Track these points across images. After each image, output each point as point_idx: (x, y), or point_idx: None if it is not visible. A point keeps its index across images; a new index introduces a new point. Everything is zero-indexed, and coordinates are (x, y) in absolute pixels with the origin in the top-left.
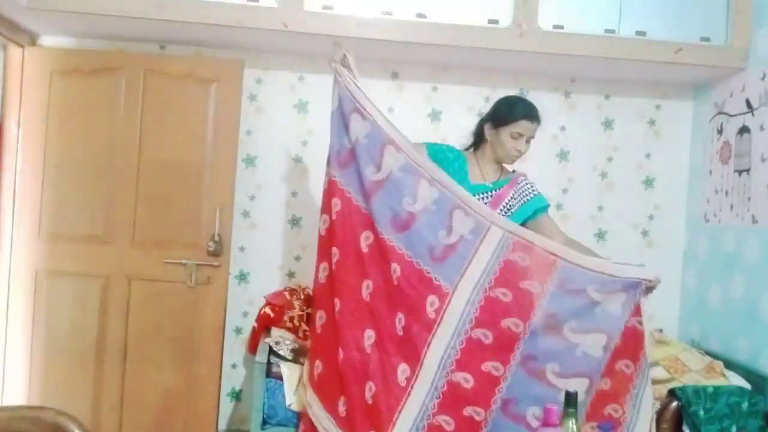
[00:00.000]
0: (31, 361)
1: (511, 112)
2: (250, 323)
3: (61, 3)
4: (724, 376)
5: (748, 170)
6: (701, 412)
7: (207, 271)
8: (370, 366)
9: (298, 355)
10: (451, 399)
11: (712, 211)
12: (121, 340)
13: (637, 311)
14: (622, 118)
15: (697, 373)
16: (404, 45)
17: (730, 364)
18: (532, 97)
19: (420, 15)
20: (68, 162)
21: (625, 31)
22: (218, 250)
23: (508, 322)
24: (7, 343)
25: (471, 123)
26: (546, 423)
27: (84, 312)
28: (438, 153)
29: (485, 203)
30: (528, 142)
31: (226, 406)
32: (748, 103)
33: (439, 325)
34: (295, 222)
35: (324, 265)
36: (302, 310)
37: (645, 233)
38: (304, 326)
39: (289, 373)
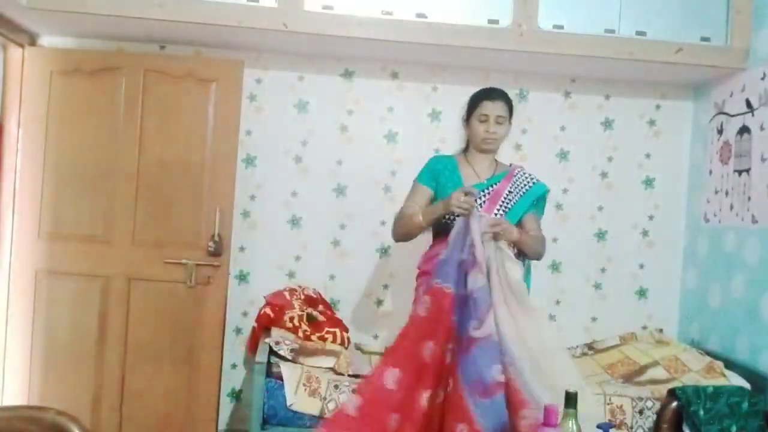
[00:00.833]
0: (31, 361)
1: (472, 100)
2: (250, 323)
3: (61, 3)
4: (724, 376)
5: (748, 170)
6: (701, 412)
7: (207, 271)
8: None
9: (298, 355)
10: None
11: (712, 211)
12: (121, 340)
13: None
14: (622, 118)
15: (697, 373)
16: (404, 45)
17: (730, 364)
18: (532, 96)
19: (420, 15)
20: (68, 162)
21: (625, 31)
22: (218, 250)
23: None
24: (7, 342)
25: None
26: (546, 423)
27: (84, 312)
28: (433, 172)
29: (483, 201)
30: (500, 123)
31: (226, 406)
32: (748, 103)
33: None
34: (295, 222)
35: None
36: (302, 310)
37: (645, 233)
38: (304, 326)
39: (289, 373)
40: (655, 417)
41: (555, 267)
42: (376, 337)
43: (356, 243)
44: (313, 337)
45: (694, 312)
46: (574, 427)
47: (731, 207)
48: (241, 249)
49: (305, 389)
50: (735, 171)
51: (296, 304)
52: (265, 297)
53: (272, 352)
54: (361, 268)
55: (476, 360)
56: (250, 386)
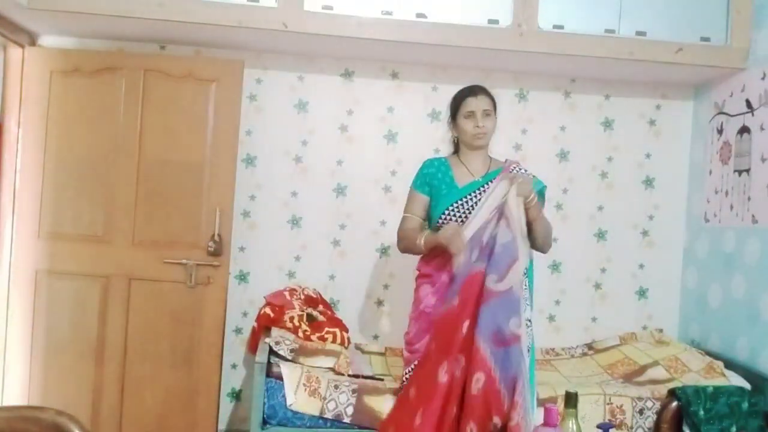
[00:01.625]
0: (31, 361)
1: (455, 100)
2: (250, 323)
3: (61, 3)
4: (724, 376)
5: (748, 170)
6: (701, 412)
7: (207, 271)
8: None
9: (298, 355)
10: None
11: (712, 211)
12: (121, 340)
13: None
14: (622, 118)
15: (697, 373)
16: (404, 45)
17: (730, 364)
18: (532, 96)
19: (420, 15)
20: (68, 162)
21: (625, 31)
22: (218, 250)
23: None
24: (7, 343)
25: None
26: (546, 423)
27: (84, 312)
28: (425, 177)
29: (479, 199)
30: (488, 115)
31: (226, 406)
32: (748, 103)
33: None
34: (295, 222)
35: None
36: (302, 310)
37: (645, 233)
38: (304, 326)
39: (289, 373)
40: (655, 417)
41: (555, 267)
42: (376, 337)
43: (356, 243)
44: (313, 337)
45: (694, 312)
46: (574, 427)
47: (731, 207)
48: (241, 249)
49: (305, 389)
50: (735, 171)
51: (296, 304)
52: (265, 297)
53: (272, 352)
54: (361, 268)
55: (495, 312)
56: (250, 386)
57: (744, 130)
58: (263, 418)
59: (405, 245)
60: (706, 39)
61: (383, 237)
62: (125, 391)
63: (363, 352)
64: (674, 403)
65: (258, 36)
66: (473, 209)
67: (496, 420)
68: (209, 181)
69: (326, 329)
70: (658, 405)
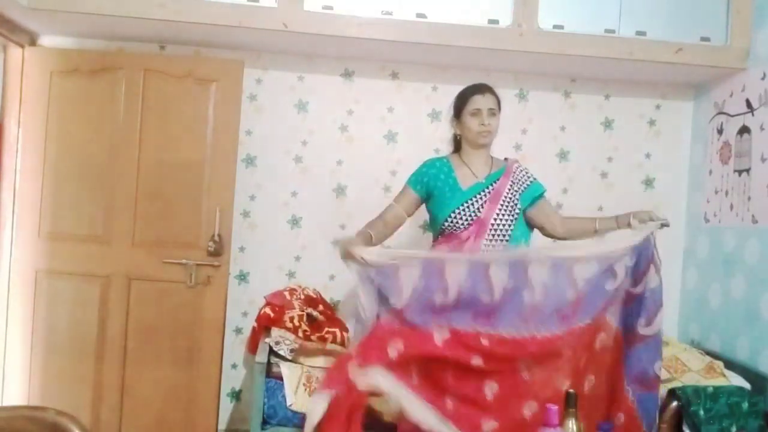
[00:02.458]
0: (31, 361)
1: (460, 97)
2: (250, 323)
3: (61, 3)
4: (724, 376)
5: (748, 170)
6: (701, 412)
7: (207, 271)
8: None
9: (298, 355)
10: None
11: (712, 211)
12: (121, 339)
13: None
14: (622, 118)
15: (697, 373)
16: (404, 45)
17: (730, 364)
18: (532, 96)
19: (420, 15)
20: (68, 162)
21: (625, 31)
22: (218, 250)
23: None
24: (7, 342)
25: None
26: (546, 423)
27: (84, 312)
28: (423, 176)
29: (484, 201)
30: (493, 115)
31: (226, 406)
32: (748, 103)
33: None
34: (295, 222)
35: None
36: (302, 310)
37: None
38: (304, 326)
39: (289, 373)
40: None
41: None
42: None
43: None
44: (313, 337)
45: (694, 312)
46: (574, 427)
47: (731, 207)
48: (241, 249)
49: (305, 389)
50: (735, 171)
51: (296, 304)
52: (265, 297)
53: (272, 352)
54: None
55: (641, 355)
56: (250, 386)
57: (744, 130)
58: (263, 418)
59: (371, 223)
60: (706, 39)
61: None
62: (125, 391)
63: None
64: (674, 403)
65: (258, 36)
66: (479, 211)
67: None
68: (209, 181)
69: (326, 329)
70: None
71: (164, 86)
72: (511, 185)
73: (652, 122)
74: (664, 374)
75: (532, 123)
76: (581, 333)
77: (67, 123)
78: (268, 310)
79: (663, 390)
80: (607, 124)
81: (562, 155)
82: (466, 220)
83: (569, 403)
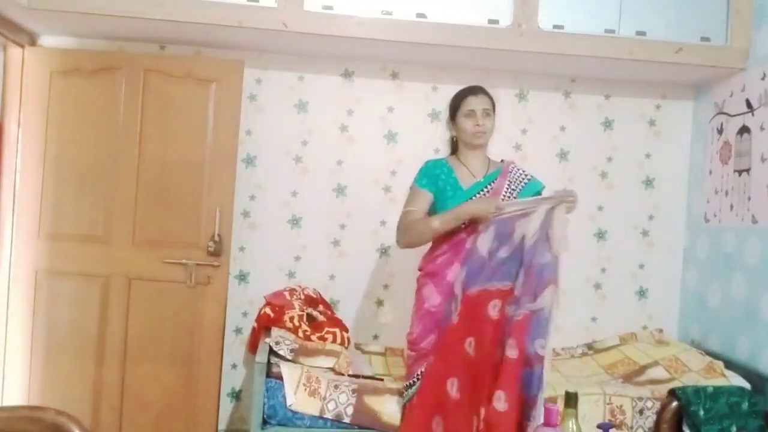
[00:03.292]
0: (31, 361)
1: (455, 100)
2: (250, 323)
3: (61, 3)
4: (724, 376)
5: (748, 170)
6: (701, 412)
7: (207, 271)
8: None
9: (298, 355)
10: None
11: (712, 211)
12: (121, 340)
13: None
14: (622, 118)
15: (697, 373)
16: (404, 45)
17: (730, 364)
18: (532, 96)
19: (420, 15)
20: (68, 162)
21: (625, 31)
22: (218, 250)
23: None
24: (7, 343)
25: None
26: (546, 423)
27: (84, 312)
28: (429, 176)
29: None
30: (487, 115)
31: (226, 406)
32: (748, 103)
33: None
34: (295, 222)
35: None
36: (302, 310)
37: (645, 233)
38: (304, 326)
39: (289, 373)
40: (655, 417)
41: None
42: (376, 337)
43: (356, 243)
44: (313, 337)
45: (694, 312)
46: (574, 427)
47: (731, 207)
48: (241, 249)
49: (305, 389)
50: (735, 171)
51: (296, 304)
52: (265, 297)
53: (272, 352)
54: (361, 268)
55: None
56: (250, 386)
57: (744, 130)
58: (263, 418)
59: (411, 235)
60: (706, 39)
61: (383, 237)
62: (125, 391)
63: (363, 352)
64: (674, 403)
65: (258, 36)
66: None
67: None
68: (209, 181)
69: (326, 329)
70: (658, 405)
71: (164, 86)
72: (508, 184)
73: (652, 122)
74: (664, 374)
75: (532, 123)
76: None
77: (67, 123)
78: (268, 310)
79: (663, 390)
80: (607, 124)
81: (562, 155)
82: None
83: (569, 403)
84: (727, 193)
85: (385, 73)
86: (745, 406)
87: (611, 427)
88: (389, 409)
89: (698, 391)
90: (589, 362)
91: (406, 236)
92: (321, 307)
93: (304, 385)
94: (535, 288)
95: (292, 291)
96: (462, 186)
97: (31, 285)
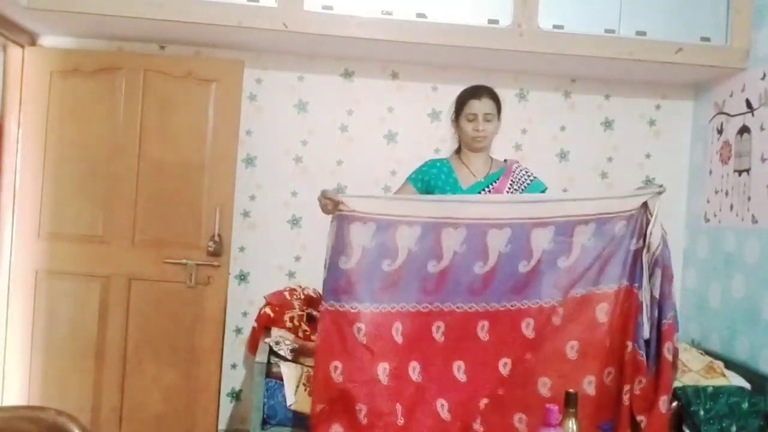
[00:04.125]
0: (31, 361)
1: (459, 100)
2: (250, 323)
3: (61, 3)
4: (724, 376)
5: (748, 170)
6: (701, 412)
7: (207, 271)
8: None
9: (298, 355)
10: None
11: (712, 211)
12: (121, 340)
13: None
14: (622, 118)
15: (697, 373)
16: (404, 45)
17: (730, 364)
18: (532, 96)
19: (420, 15)
20: (68, 162)
21: (625, 31)
22: (218, 250)
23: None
24: (7, 343)
25: None
26: (546, 423)
27: (84, 312)
28: (424, 174)
29: None
30: (489, 120)
31: (226, 406)
32: (748, 103)
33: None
34: (295, 222)
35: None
36: (302, 310)
37: None
38: (304, 326)
39: (289, 373)
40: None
41: None
42: None
43: None
44: (313, 337)
45: (694, 312)
46: (574, 427)
47: (731, 207)
48: (241, 249)
49: (305, 389)
50: (735, 171)
51: (296, 304)
52: (265, 297)
53: (272, 352)
54: None
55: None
56: (250, 386)
57: (744, 130)
58: (263, 418)
59: None
60: (706, 39)
61: None
62: (125, 391)
63: None
64: (674, 403)
65: (258, 36)
66: None
67: None
68: (209, 181)
69: None
70: None
71: (164, 86)
72: (510, 185)
73: (652, 122)
74: None
75: (532, 123)
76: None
77: (67, 123)
78: (268, 310)
79: None
80: (607, 124)
81: (562, 155)
82: None
83: (569, 403)
84: (727, 193)
85: (385, 73)
86: (745, 406)
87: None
88: None
89: (698, 391)
90: None
91: None
92: None
93: (304, 385)
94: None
95: (292, 291)
96: (461, 186)
97: (31, 285)
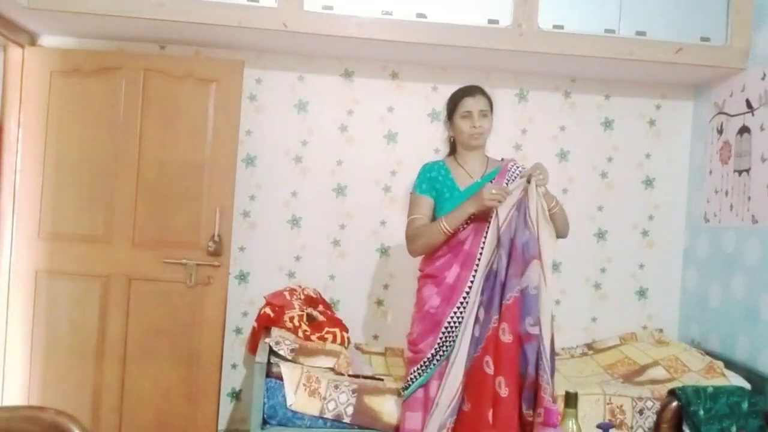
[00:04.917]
0: (31, 361)
1: (452, 100)
2: (250, 323)
3: (61, 3)
4: (724, 376)
5: (748, 170)
6: (701, 412)
7: (207, 271)
8: None
9: (298, 355)
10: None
11: (712, 211)
12: (121, 339)
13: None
14: (622, 118)
15: (697, 373)
16: (404, 45)
17: (730, 364)
18: (532, 96)
19: (420, 15)
20: (68, 162)
21: (625, 31)
22: (218, 250)
23: None
24: (7, 342)
25: None
26: (546, 423)
27: (84, 312)
28: (430, 181)
29: None
30: (484, 116)
31: (226, 406)
32: (748, 103)
33: None
34: (295, 222)
35: None
36: (302, 310)
37: (645, 233)
38: (304, 326)
39: (289, 373)
40: (655, 417)
41: (555, 267)
42: (376, 337)
43: (356, 243)
44: (313, 337)
45: (694, 312)
46: (574, 427)
47: (731, 207)
48: (241, 249)
49: (305, 389)
50: (735, 171)
51: (296, 304)
52: (265, 297)
53: (272, 352)
54: (361, 268)
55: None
56: (250, 386)
57: (744, 130)
58: (263, 418)
59: (422, 241)
60: (706, 39)
61: (383, 237)
62: (125, 391)
63: (363, 352)
64: (674, 403)
65: (258, 36)
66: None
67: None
68: (209, 181)
69: (326, 329)
70: (658, 405)
71: (164, 86)
72: (506, 183)
73: (652, 122)
74: (664, 374)
75: (532, 123)
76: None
77: (67, 123)
78: (268, 310)
79: (663, 390)
80: (607, 124)
81: (562, 155)
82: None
83: (569, 403)
84: (727, 193)
85: (385, 73)
86: (745, 406)
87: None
88: (389, 409)
89: (698, 391)
90: (589, 362)
91: (416, 243)
92: (321, 307)
93: (304, 385)
94: (522, 268)
95: (292, 291)
96: (459, 187)
97: (31, 285)
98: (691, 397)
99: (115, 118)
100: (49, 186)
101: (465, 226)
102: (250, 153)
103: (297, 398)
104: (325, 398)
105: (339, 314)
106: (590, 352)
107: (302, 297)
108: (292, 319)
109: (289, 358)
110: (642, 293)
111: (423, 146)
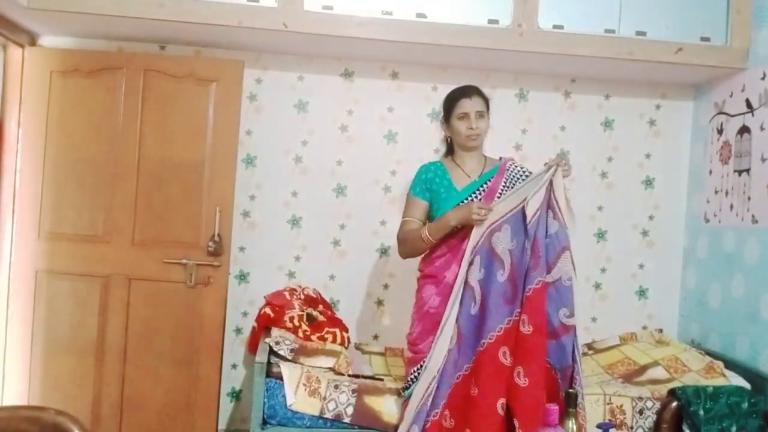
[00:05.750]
0: (31, 361)
1: (448, 100)
2: (250, 323)
3: (61, 3)
4: (724, 376)
5: (748, 170)
6: (701, 412)
7: (207, 271)
8: None
9: (298, 355)
10: None
11: (712, 211)
12: (121, 340)
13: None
14: (622, 118)
15: (697, 373)
16: (404, 45)
17: (730, 364)
18: (532, 96)
19: (420, 15)
20: (68, 162)
21: (625, 31)
22: (218, 250)
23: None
24: (7, 342)
25: None
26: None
27: (84, 312)
28: (425, 182)
29: (479, 199)
30: (481, 117)
31: (226, 406)
32: (748, 103)
33: None
34: (295, 222)
35: None
36: (302, 310)
37: (645, 233)
38: (304, 326)
39: (289, 373)
40: (655, 417)
41: None
42: (376, 337)
43: (356, 243)
44: (313, 337)
45: (694, 312)
46: (574, 427)
47: (731, 207)
48: (241, 249)
49: (305, 389)
50: (735, 171)
51: (296, 304)
52: (265, 297)
53: (272, 352)
54: (361, 268)
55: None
56: (250, 386)
57: (744, 130)
58: (263, 418)
59: (408, 246)
60: (706, 39)
61: (383, 237)
62: (125, 391)
63: (363, 352)
64: (674, 403)
65: (258, 36)
66: None
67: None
68: (209, 181)
69: (326, 329)
70: (658, 405)
71: (164, 86)
72: (505, 182)
73: (652, 122)
74: (664, 374)
75: (532, 123)
76: None
77: (67, 123)
78: (268, 310)
79: (663, 390)
80: (607, 124)
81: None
82: None
83: (569, 403)
84: (727, 193)
85: (385, 73)
86: (745, 406)
87: (611, 427)
88: (389, 409)
89: (698, 391)
90: (589, 362)
91: (403, 248)
92: (321, 307)
93: (304, 385)
94: (546, 259)
95: (292, 291)
96: (456, 187)
97: (31, 285)
98: (691, 397)
99: (115, 118)
100: (49, 186)
101: (459, 228)
102: (250, 153)
103: (297, 398)
104: (325, 398)
105: (339, 314)
106: (590, 352)
107: (302, 297)
108: (292, 319)
109: (289, 358)
110: (642, 293)
111: (423, 146)
